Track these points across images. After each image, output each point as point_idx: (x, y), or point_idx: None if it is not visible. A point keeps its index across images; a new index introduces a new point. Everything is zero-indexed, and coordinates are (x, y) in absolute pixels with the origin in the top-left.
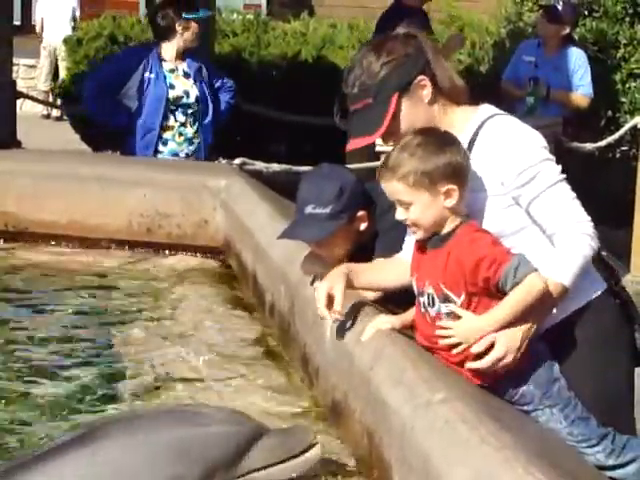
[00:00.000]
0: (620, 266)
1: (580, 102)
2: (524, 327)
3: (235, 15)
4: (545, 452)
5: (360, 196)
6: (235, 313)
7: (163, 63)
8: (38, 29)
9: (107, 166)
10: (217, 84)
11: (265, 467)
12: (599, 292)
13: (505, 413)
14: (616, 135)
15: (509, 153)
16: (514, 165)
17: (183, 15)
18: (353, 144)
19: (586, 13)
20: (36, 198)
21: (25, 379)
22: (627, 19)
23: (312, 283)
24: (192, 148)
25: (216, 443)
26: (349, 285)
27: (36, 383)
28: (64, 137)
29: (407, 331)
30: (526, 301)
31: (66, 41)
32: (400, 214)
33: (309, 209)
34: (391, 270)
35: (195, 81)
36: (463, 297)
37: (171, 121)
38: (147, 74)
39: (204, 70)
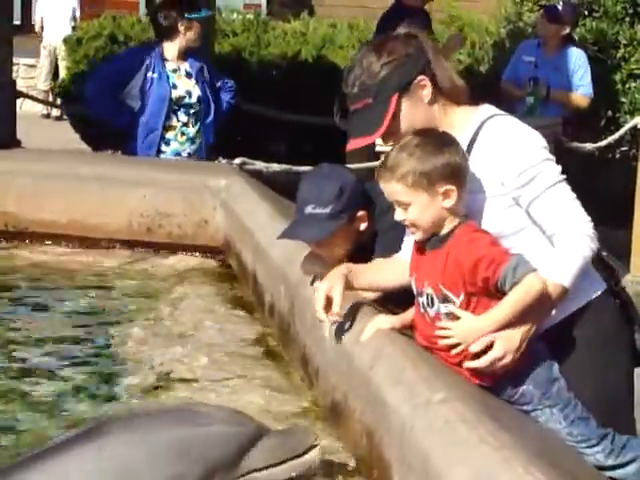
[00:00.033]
0: (620, 266)
1: (580, 102)
2: (523, 328)
3: (235, 15)
4: (545, 452)
5: (360, 196)
6: (235, 313)
7: (166, 63)
8: (38, 29)
9: (107, 166)
10: (218, 84)
11: (266, 467)
12: (599, 292)
13: (504, 413)
14: (616, 135)
15: (509, 153)
16: (514, 165)
17: (186, 15)
18: (353, 144)
19: (586, 13)
20: (36, 198)
21: (24, 379)
22: (627, 19)
23: (312, 283)
24: (194, 148)
25: (217, 443)
26: (348, 286)
27: (35, 383)
28: (64, 137)
29: (407, 331)
30: (525, 301)
31: (66, 41)
32: (399, 215)
33: (309, 209)
34: (390, 270)
35: (197, 81)
36: (462, 297)
37: (173, 121)
38: (150, 74)
39: (205, 70)
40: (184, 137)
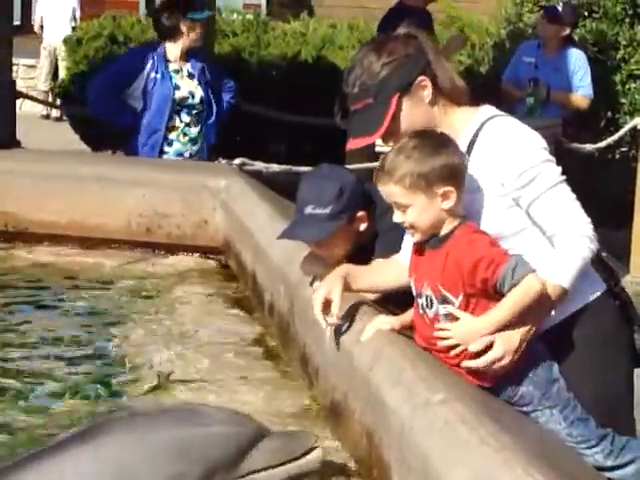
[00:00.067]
0: (619, 267)
1: (580, 103)
2: (523, 328)
3: (235, 15)
4: (544, 453)
5: (360, 196)
6: (234, 313)
7: (168, 64)
8: (37, 29)
9: (107, 166)
10: (219, 84)
11: (266, 468)
12: (598, 293)
13: (504, 414)
14: (616, 136)
15: (509, 154)
16: (514, 166)
17: (189, 15)
18: (353, 144)
19: (586, 14)
20: (36, 198)
21: (23, 379)
22: (627, 20)
23: (312, 283)
24: (195, 148)
25: (217, 443)
26: (347, 288)
27: (34, 383)
28: (64, 137)
29: (406, 332)
30: (524, 302)
31: (66, 41)
32: (397, 217)
33: (309, 209)
34: (390, 271)
35: (199, 82)
36: (461, 298)
37: (176, 122)
38: (153, 74)
39: (206, 71)
40: (186, 138)
